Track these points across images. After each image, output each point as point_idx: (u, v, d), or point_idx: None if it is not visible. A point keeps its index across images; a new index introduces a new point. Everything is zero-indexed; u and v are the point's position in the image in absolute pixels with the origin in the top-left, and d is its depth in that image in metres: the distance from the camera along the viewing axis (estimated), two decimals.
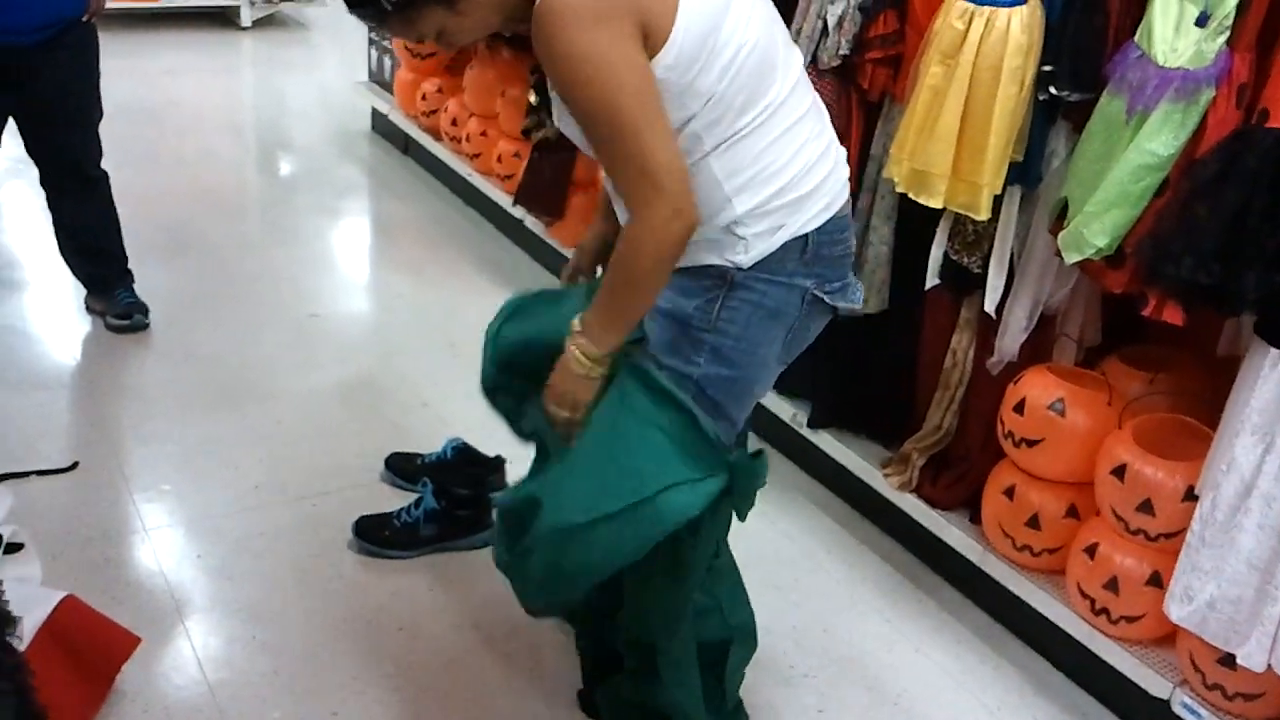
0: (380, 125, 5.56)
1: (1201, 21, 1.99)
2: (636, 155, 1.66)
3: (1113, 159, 2.08)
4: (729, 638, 2.17)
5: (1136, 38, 2.08)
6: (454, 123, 4.68)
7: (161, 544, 2.69)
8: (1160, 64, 2.02)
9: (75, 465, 2.91)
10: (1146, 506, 2.20)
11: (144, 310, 3.60)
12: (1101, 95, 2.14)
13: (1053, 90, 2.22)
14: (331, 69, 6.67)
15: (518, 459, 2.84)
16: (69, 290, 3.70)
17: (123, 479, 2.89)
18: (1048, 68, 2.22)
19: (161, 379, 3.38)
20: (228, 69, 6.77)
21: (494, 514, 1.94)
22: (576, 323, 1.82)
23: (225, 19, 7.37)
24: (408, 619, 2.51)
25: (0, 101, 3.27)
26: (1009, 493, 2.48)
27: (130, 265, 3.66)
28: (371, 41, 5.56)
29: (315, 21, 7.63)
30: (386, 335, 3.79)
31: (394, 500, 2.81)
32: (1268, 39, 1.97)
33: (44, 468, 2.88)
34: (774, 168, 1.78)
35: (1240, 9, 1.95)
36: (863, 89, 2.60)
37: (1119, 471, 2.23)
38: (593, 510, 1.79)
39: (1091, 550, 2.32)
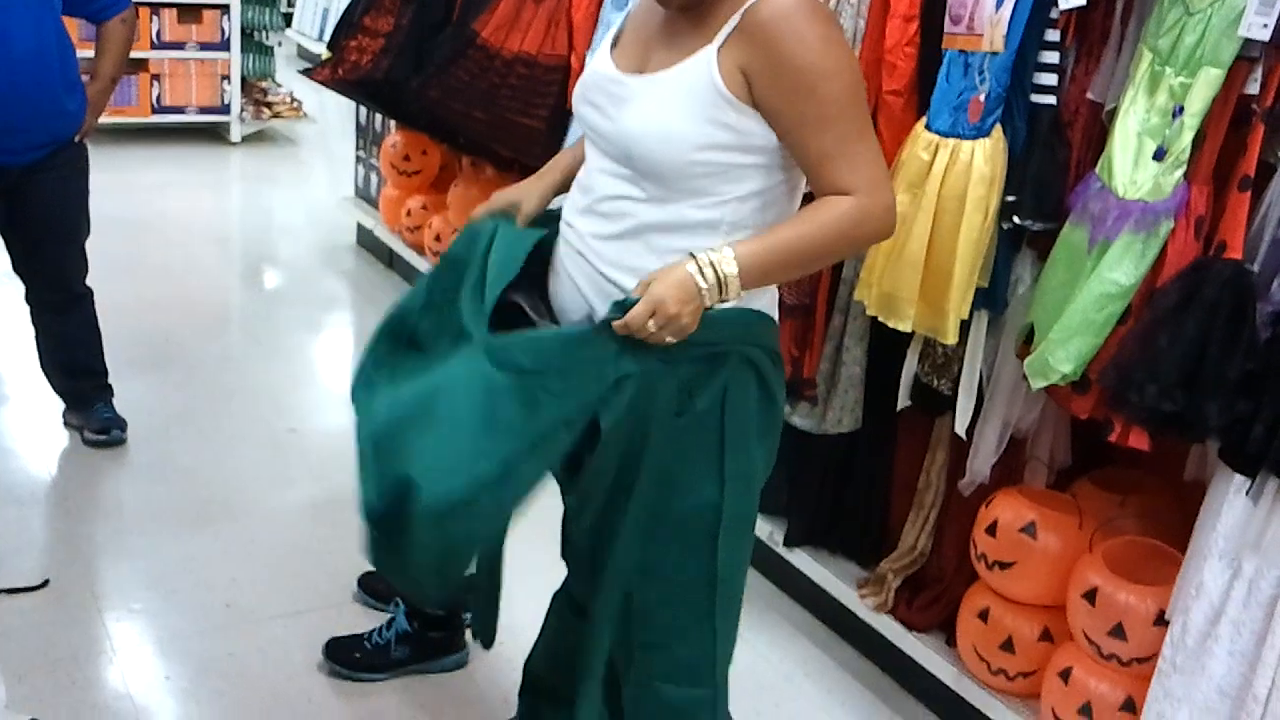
0: (365, 240, 5.63)
1: (1159, 155, 2.05)
2: (874, 144, 1.76)
3: (1076, 287, 2.12)
4: None
5: (1097, 169, 2.14)
6: (438, 238, 4.74)
7: (130, 665, 2.65)
8: (1120, 196, 2.07)
9: (46, 583, 2.88)
10: (1118, 631, 2.20)
11: (122, 425, 3.60)
12: (1064, 225, 2.20)
13: (1016, 220, 2.27)
14: (319, 185, 6.78)
15: None
16: (48, 404, 3.70)
17: (93, 598, 2.86)
18: (1011, 198, 2.27)
19: (136, 495, 3.36)
20: (216, 183, 6.87)
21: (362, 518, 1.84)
22: (728, 251, 1.72)
23: (215, 134, 7.50)
24: None
25: None
26: (983, 615, 2.48)
27: (110, 378, 3.67)
28: (359, 159, 5.66)
29: (304, 138, 7.77)
30: None
31: (366, 621, 2.79)
32: (1223, 173, 2.03)
33: (14, 585, 2.85)
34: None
35: (1196, 144, 2.02)
36: None
37: (1090, 595, 2.23)
38: (471, 475, 1.72)
39: (1066, 675, 2.31)
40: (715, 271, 1.70)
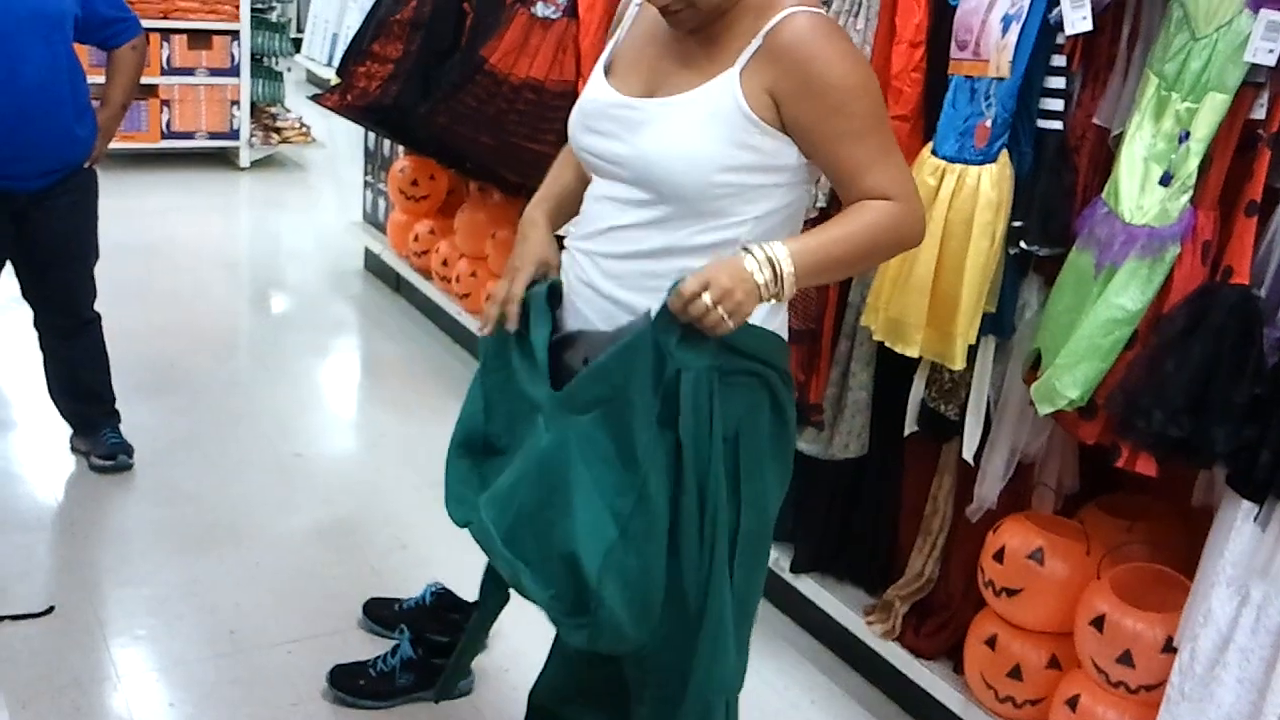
0: (373, 264, 5.64)
1: (1165, 181, 2.05)
2: (900, 153, 1.80)
3: (1083, 312, 2.11)
4: None
5: (1104, 194, 2.14)
6: (445, 263, 4.76)
7: (134, 692, 2.64)
8: (1127, 221, 2.07)
9: (51, 609, 2.88)
10: (1126, 658, 2.19)
11: (129, 451, 3.60)
12: (1071, 250, 2.19)
13: (1023, 245, 2.27)
14: (327, 209, 6.80)
15: None
16: (56, 430, 3.70)
17: (98, 624, 2.86)
18: (1018, 223, 2.27)
19: (142, 520, 3.36)
20: (225, 208, 6.90)
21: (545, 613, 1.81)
22: (780, 247, 1.69)
23: (225, 159, 7.53)
24: None
25: None
26: (991, 642, 2.46)
27: (117, 404, 3.67)
28: (367, 184, 5.68)
29: (313, 163, 7.80)
30: (370, 476, 3.79)
31: (371, 647, 2.78)
32: (1230, 198, 2.02)
33: (19, 612, 2.85)
34: None
35: (1202, 169, 2.01)
36: None
37: (1098, 622, 2.22)
38: (615, 516, 1.72)
39: (1074, 702, 2.29)
40: (772, 265, 1.68)
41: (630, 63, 1.89)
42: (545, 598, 1.78)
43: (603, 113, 1.86)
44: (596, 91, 1.89)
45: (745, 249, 1.70)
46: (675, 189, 1.76)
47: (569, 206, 2.03)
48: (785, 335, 1.92)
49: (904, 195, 1.77)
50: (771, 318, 1.84)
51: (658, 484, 1.73)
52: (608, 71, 1.91)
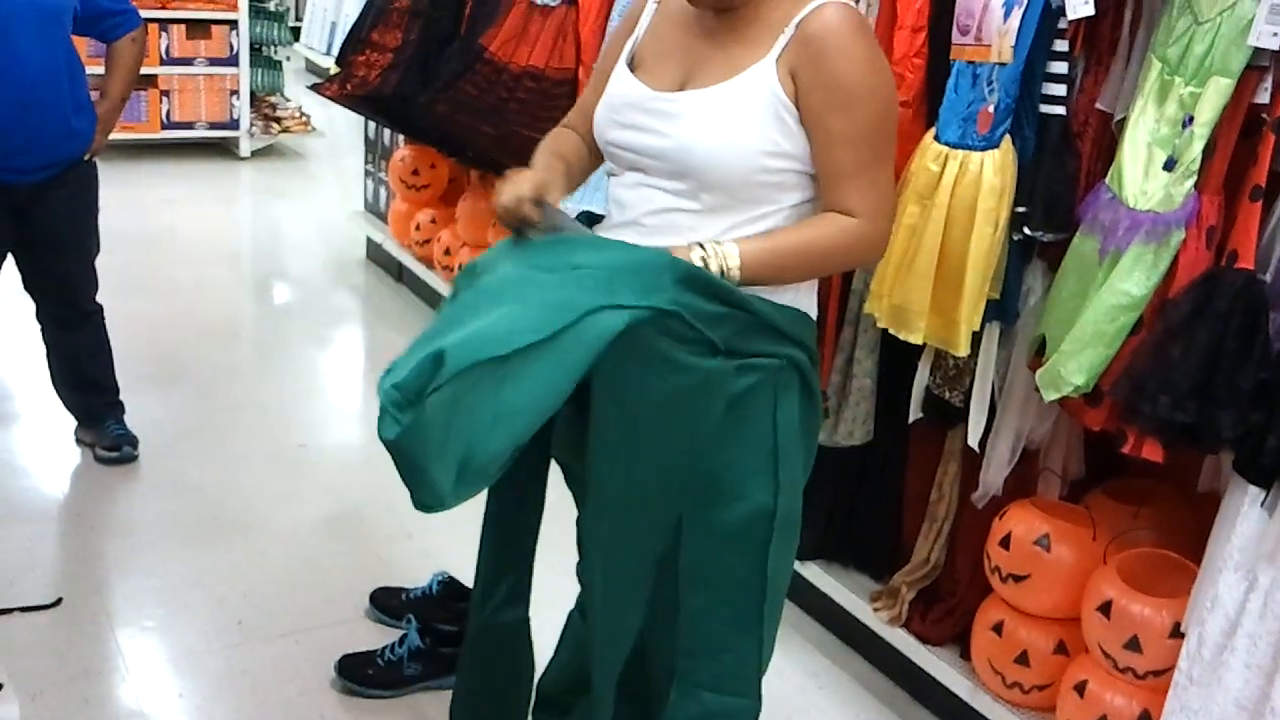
0: (375, 254, 5.64)
1: (1169, 166, 2.04)
2: (889, 171, 1.82)
3: (1087, 298, 2.11)
4: None
5: (1108, 180, 2.13)
6: (447, 251, 4.75)
7: (143, 683, 2.65)
8: (1131, 206, 2.06)
9: (59, 601, 2.89)
10: (1134, 644, 2.19)
11: (133, 442, 3.61)
12: (1075, 235, 2.19)
13: (1027, 231, 2.26)
14: (328, 199, 6.79)
15: None
16: (60, 422, 3.71)
17: (105, 615, 2.87)
18: (1021, 209, 2.26)
19: (148, 511, 3.37)
20: (226, 198, 6.90)
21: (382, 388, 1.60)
22: (732, 246, 1.74)
23: (225, 149, 7.52)
24: None
25: (0, 236, 3.32)
26: (998, 628, 2.47)
27: (121, 395, 3.68)
28: (368, 173, 5.68)
29: (313, 152, 7.79)
30: (374, 465, 3.76)
31: (379, 637, 2.79)
32: (1234, 183, 2.02)
33: (27, 604, 2.86)
34: None
35: (1206, 154, 2.00)
36: None
37: (1105, 608, 2.22)
38: (511, 342, 1.59)
39: (1081, 688, 2.30)
40: (720, 261, 1.74)
41: (660, 56, 1.89)
42: (388, 383, 1.57)
43: (632, 107, 1.86)
44: (621, 86, 1.89)
45: (701, 244, 1.74)
46: (719, 178, 1.78)
47: (575, 172, 1.98)
48: (813, 312, 1.92)
49: (872, 216, 1.79)
50: (798, 296, 1.86)
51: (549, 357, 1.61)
52: (633, 67, 1.91)
